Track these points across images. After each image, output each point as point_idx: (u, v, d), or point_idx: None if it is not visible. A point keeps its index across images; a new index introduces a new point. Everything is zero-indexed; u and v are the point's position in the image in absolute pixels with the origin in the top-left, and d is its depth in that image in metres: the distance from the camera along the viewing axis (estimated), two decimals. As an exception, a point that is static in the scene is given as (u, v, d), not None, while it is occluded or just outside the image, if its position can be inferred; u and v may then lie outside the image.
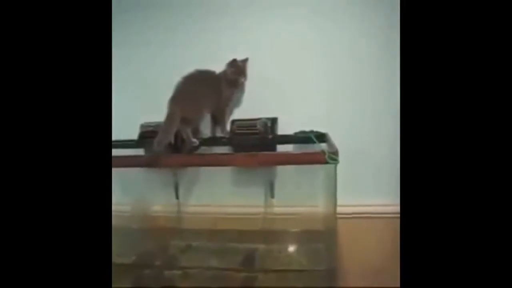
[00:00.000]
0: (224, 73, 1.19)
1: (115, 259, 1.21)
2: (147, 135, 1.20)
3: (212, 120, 1.22)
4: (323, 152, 0.90)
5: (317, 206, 1.18)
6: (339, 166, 0.91)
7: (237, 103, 1.28)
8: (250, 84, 1.26)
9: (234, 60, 1.17)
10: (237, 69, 1.18)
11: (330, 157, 0.88)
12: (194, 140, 1.11)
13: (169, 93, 1.11)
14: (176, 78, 1.13)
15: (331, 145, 1.00)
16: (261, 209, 1.28)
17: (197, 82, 1.15)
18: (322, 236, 1.19)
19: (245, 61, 1.21)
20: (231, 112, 1.26)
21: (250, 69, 1.24)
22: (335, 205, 0.97)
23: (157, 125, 1.10)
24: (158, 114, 1.09)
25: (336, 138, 1.06)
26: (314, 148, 1.06)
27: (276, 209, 1.28)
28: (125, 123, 1.27)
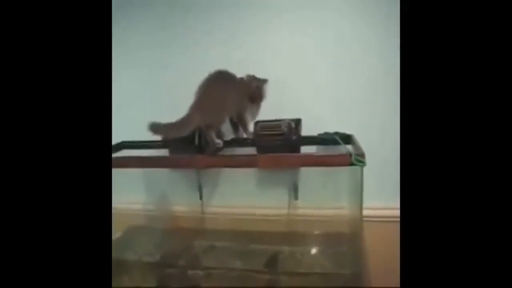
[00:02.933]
0: (247, 85, 1.15)
1: (142, 257, 1.24)
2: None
3: (231, 122, 1.22)
4: (349, 154, 0.89)
5: (342, 208, 1.17)
6: (365, 168, 0.90)
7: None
8: (273, 86, 1.25)
9: (257, 80, 1.15)
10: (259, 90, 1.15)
11: (357, 159, 0.86)
12: (218, 141, 1.11)
13: (193, 95, 1.12)
14: (199, 80, 1.14)
15: (357, 147, 0.99)
16: (285, 211, 1.28)
17: (218, 85, 1.13)
18: (347, 239, 1.17)
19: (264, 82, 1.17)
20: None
21: (272, 71, 1.22)
22: (361, 207, 0.95)
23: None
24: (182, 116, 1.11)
25: (361, 140, 1.04)
26: (339, 150, 1.05)
27: (300, 211, 1.27)
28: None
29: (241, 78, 1.16)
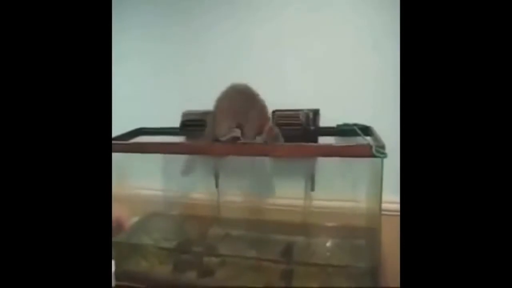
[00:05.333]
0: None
1: (159, 242, 1.26)
2: (189, 123, 1.27)
3: None
4: (369, 145, 0.87)
5: (359, 201, 1.15)
6: (385, 161, 0.88)
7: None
8: (290, 76, 1.26)
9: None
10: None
11: (378, 151, 0.84)
12: (236, 129, 1.09)
13: (208, 83, 1.11)
14: (214, 70, 1.13)
15: (376, 138, 0.96)
16: (301, 201, 1.27)
17: (235, 99, 1.08)
18: (364, 232, 1.15)
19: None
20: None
21: (290, 62, 1.23)
22: (380, 201, 0.93)
23: (203, 113, 1.14)
24: (198, 103, 1.11)
25: (381, 132, 1.02)
26: (358, 141, 1.03)
27: (316, 202, 1.26)
28: (168, 111, 1.32)
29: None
